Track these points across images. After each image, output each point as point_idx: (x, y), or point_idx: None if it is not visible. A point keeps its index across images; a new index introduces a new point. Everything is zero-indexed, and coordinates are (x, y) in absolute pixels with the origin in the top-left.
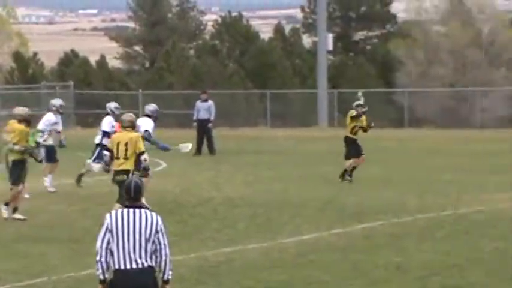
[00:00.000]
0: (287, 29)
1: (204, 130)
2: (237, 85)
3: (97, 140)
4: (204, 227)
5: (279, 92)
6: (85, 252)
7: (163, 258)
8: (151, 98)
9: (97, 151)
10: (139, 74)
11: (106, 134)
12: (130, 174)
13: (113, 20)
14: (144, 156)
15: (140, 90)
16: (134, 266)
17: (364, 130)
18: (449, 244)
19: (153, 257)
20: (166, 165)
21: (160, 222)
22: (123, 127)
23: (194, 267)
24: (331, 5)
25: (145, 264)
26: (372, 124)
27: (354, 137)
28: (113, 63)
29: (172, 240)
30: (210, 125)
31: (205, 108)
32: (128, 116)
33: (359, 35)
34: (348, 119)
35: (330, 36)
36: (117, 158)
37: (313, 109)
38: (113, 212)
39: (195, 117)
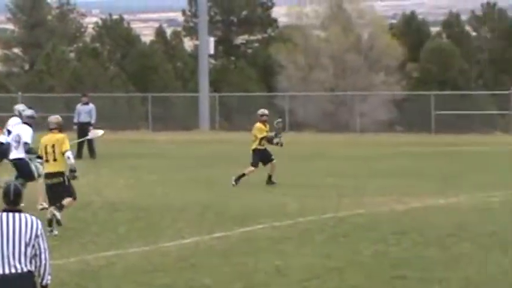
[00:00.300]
0: (168, 32)
1: (84, 133)
2: (118, 88)
3: (2, 138)
4: (85, 231)
5: (161, 95)
6: None
7: (43, 262)
8: (32, 100)
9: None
10: (19, 76)
11: (10, 133)
12: (65, 176)
13: None
14: (67, 154)
15: (20, 93)
16: (13, 270)
17: (269, 142)
18: (329, 247)
19: (33, 261)
20: None
21: (40, 226)
22: (49, 129)
23: (74, 272)
24: (212, 9)
25: (25, 269)
26: (281, 142)
27: (263, 147)
28: None
29: (53, 245)
30: (90, 128)
31: (86, 112)
32: (54, 118)
33: (240, 39)
34: (257, 134)
35: (212, 39)
36: (47, 161)
37: (195, 112)
38: None
39: (75, 120)
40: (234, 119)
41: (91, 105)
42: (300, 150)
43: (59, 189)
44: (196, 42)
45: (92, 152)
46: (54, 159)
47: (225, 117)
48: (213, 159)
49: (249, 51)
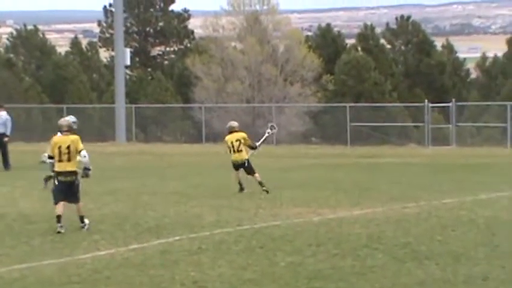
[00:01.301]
0: (84, 43)
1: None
2: (33, 99)
3: None
4: None
5: (76, 106)
6: None
7: None
8: None
9: None
10: None
11: None
12: (77, 175)
13: None
14: (83, 153)
15: None
16: None
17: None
18: (245, 259)
19: None
20: None
21: None
22: (62, 131)
23: None
24: (128, 20)
25: None
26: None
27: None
28: None
29: None
30: (6, 139)
31: (1, 123)
32: (65, 120)
33: (157, 50)
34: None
35: (128, 50)
36: (61, 161)
37: (111, 124)
38: None
39: None
40: (150, 130)
41: (7, 116)
42: (216, 161)
43: (71, 188)
44: (112, 53)
45: (6, 164)
46: (69, 160)
47: (141, 128)
48: (130, 171)
49: (166, 62)
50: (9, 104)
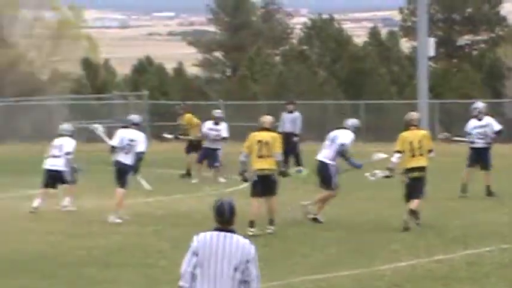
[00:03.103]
0: (383, 32)
1: (288, 144)
2: (327, 95)
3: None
4: (292, 251)
5: (374, 102)
6: (160, 278)
7: None
8: (234, 108)
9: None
10: (220, 82)
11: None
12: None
13: (191, 23)
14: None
15: (221, 100)
16: None
17: None
18: None
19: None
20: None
21: (253, 251)
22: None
23: None
24: (433, 6)
25: None
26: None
27: None
28: (191, 70)
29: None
30: (295, 139)
31: (290, 120)
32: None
33: (464, 40)
34: None
35: (432, 40)
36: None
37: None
38: (201, 235)
39: (280, 130)
40: (455, 128)
41: (296, 114)
42: None
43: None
44: (415, 44)
45: (299, 163)
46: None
47: (445, 126)
48: (432, 173)
49: (474, 52)
50: (301, 100)
